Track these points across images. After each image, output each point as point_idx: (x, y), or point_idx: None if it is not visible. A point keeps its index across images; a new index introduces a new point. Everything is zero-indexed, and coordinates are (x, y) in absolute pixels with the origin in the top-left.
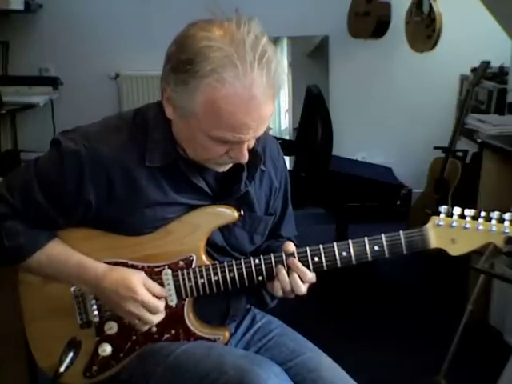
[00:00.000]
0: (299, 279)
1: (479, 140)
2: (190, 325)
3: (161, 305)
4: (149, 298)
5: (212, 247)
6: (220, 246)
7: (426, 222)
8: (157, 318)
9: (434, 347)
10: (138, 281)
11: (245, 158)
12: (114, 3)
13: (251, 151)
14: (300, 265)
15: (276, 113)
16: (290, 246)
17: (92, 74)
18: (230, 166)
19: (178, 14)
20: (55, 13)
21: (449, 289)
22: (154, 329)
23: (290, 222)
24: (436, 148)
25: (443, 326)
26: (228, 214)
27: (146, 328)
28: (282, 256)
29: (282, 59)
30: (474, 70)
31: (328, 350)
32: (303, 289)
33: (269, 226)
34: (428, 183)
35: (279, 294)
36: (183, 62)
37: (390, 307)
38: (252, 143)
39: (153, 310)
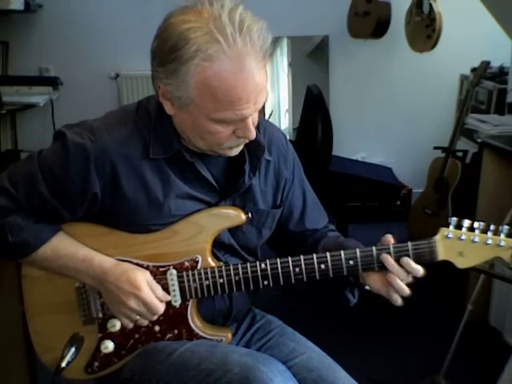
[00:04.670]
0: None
1: (479, 140)
2: (193, 325)
3: (161, 305)
4: (151, 297)
5: (219, 245)
6: (227, 243)
7: (426, 223)
8: (155, 317)
9: (433, 347)
10: (143, 279)
11: (252, 133)
12: (115, 3)
13: (252, 142)
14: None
15: (276, 113)
16: (389, 241)
17: (92, 74)
18: (242, 147)
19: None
20: (55, 13)
21: (449, 289)
22: (157, 328)
23: (315, 211)
24: (436, 148)
25: (443, 326)
26: (235, 216)
27: (145, 323)
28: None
29: (263, 24)
30: (474, 70)
31: (328, 350)
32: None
33: (276, 219)
34: (428, 183)
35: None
36: (167, 52)
37: (389, 307)
38: (256, 117)
39: (153, 311)
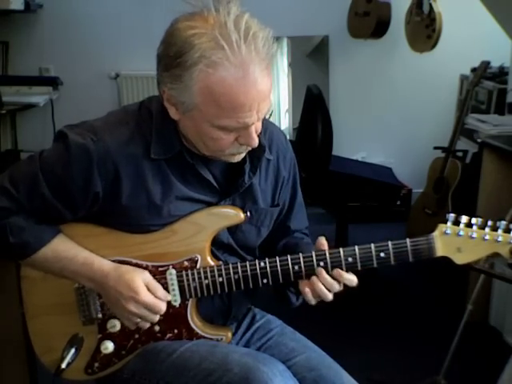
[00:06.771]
0: (325, 289)
1: (479, 140)
2: (192, 325)
3: (162, 305)
4: (150, 299)
5: (218, 244)
6: (226, 243)
7: (426, 222)
8: (157, 318)
9: (433, 347)
10: (141, 281)
11: (255, 141)
12: (114, 3)
13: None
14: (328, 277)
15: (276, 113)
16: (323, 245)
17: (92, 74)
18: (244, 154)
19: (178, 14)
20: (55, 13)
21: (449, 289)
22: (157, 328)
23: (300, 213)
24: (436, 148)
25: (443, 326)
26: (234, 215)
27: (148, 325)
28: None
29: (269, 32)
30: (474, 70)
31: (328, 350)
32: (330, 296)
33: (274, 217)
34: (428, 183)
35: (310, 299)
36: (172, 57)
37: (390, 307)
38: (259, 126)
39: (154, 311)
